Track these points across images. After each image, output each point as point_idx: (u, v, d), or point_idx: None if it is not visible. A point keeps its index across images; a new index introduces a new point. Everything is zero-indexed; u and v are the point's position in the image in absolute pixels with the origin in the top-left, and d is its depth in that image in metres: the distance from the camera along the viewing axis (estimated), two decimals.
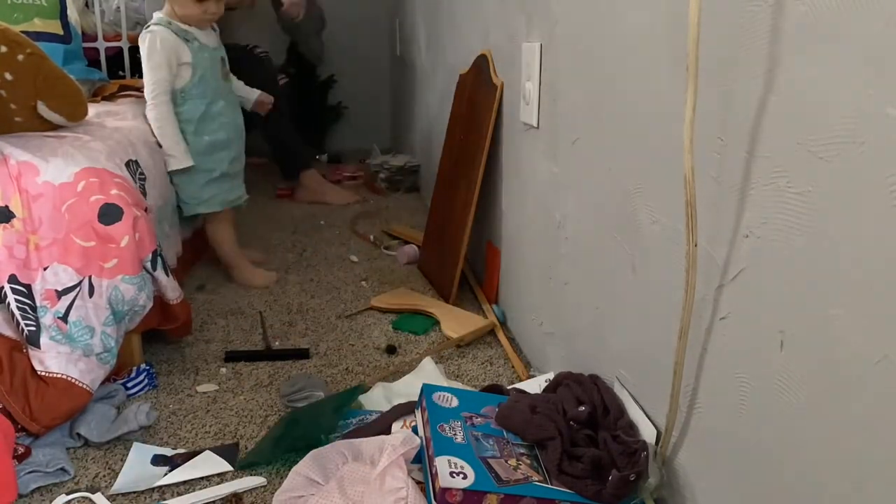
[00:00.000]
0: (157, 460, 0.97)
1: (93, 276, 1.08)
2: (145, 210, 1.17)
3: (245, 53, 2.58)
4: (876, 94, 0.46)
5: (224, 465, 0.96)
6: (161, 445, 1.01)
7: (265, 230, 2.11)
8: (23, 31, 1.16)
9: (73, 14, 1.78)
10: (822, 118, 0.51)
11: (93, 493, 0.89)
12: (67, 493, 0.90)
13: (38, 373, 1.01)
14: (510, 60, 1.31)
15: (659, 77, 0.75)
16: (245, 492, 0.90)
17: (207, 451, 0.99)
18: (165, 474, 0.94)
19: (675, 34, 0.71)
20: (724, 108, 0.63)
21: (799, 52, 0.53)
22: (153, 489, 0.92)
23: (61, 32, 1.71)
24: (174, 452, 0.99)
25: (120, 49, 2.04)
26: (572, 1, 0.99)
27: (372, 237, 2.03)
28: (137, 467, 0.96)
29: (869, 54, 0.47)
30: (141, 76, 2.10)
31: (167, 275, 1.18)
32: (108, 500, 0.89)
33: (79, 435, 1.01)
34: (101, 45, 2.00)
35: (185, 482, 0.93)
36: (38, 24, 1.66)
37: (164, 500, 0.89)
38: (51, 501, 0.89)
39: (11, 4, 1.65)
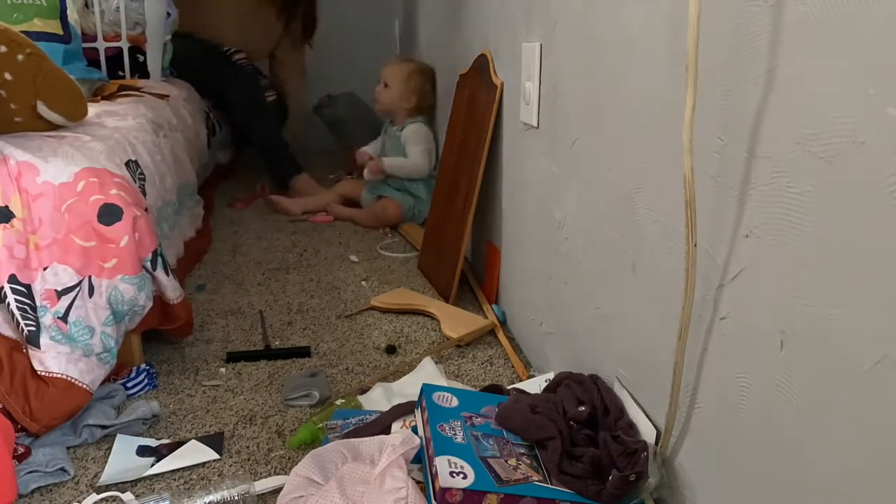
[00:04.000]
0: (142, 451, 0.98)
1: (92, 276, 1.08)
2: (145, 210, 1.17)
3: (223, 57, 2.57)
4: (876, 94, 0.46)
5: (210, 454, 0.97)
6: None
7: (264, 230, 2.11)
8: (22, 31, 1.16)
9: (72, 14, 1.78)
10: (822, 118, 0.51)
11: (122, 492, 0.90)
12: (98, 493, 0.90)
13: (38, 373, 1.01)
14: (510, 60, 1.31)
15: (659, 77, 0.75)
16: (268, 492, 0.90)
17: (193, 441, 1.00)
18: (152, 465, 0.95)
19: (675, 34, 0.71)
20: (724, 108, 0.63)
21: (799, 53, 0.53)
22: (143, 478, 0.93)
23: (61, 32, 1.70)
24: (159, 443, 1.00)
25: (120, 49, 2.04)
26: (572, 1, 0.99)
27: (382, 231, 2.11)
28: (123, 459, 0.97)
29: (869, 54, 0.47)
30: (140, 76, 2.11)
31: (168, 274, 1.18)
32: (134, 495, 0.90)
33: (83, 429, 1.01)
34: (101, 45, 2.00)
35: (173, 471, 0.94)
36: (37, 24, 1.66)
37: (155, 489, 0.90)
38: (51, 501, 0.90)
39: (11, 4, 1.65)
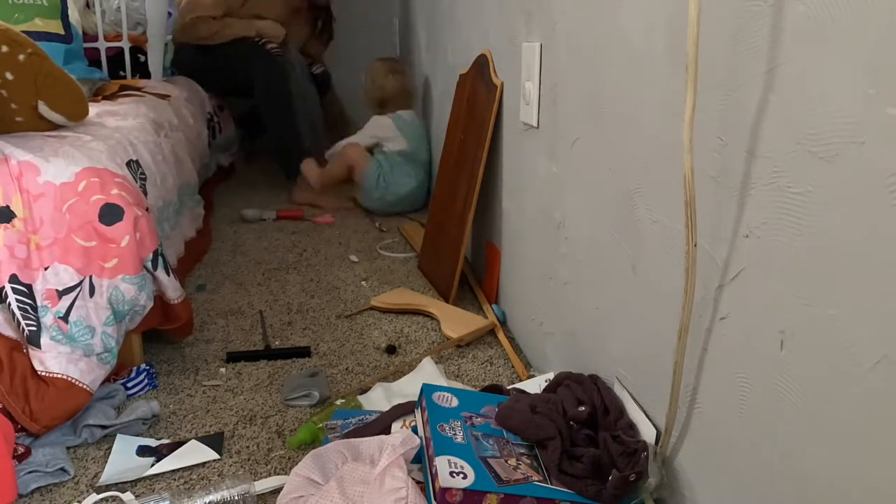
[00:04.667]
0: (142, 451, 0.98)
1: (93, 276, 1.08)
2: (146, 210, 1.17)
3: (254, 44, 2.54)
4: (876, 93, 0.46)
5: (210, 454, 0.97)
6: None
7: (264, 230, 2.11)
8: (24, 31, 1.16)
9: (73, 14, 1.78)
10: (822, 118, 0.51)
11: (122, 492, 0.90)
12: (98, 493, 0.90)
13: (39, 373, 1.01)
14: (510, 60, 1.31)
15: (659, 77, 0.75)
16: (268, 492, 0.90)
17: (193, 441, 1.00)
18: (152, 465, 0.95)
19: (675, 34, 0.71)
20: (724, 108, 0.63)
21: (799, 53, 0.53)
22: (143, 478, 0.93)
23: (62, 32, 1.71)
24: (159, 443, 1.01)
25: (120, 49, 2.05)
26: (572, 1, 0.99)
27: (378, 224, 2.15)
28: (123, 459, 0.97)
29: (869, 54, 0.47)
30: (141, 76, 2.11)
31: (168, 274, 1.18)
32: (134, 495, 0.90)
33: (82, 429, 1.01)
34: (102, 44, 2.01)
35: (173, 471, 0.94)
36: (39, 24, 1.66)
37: (155, 489, 0.90)
38: (51, 501, 0.90)
39: (12, 4, 1.65)
